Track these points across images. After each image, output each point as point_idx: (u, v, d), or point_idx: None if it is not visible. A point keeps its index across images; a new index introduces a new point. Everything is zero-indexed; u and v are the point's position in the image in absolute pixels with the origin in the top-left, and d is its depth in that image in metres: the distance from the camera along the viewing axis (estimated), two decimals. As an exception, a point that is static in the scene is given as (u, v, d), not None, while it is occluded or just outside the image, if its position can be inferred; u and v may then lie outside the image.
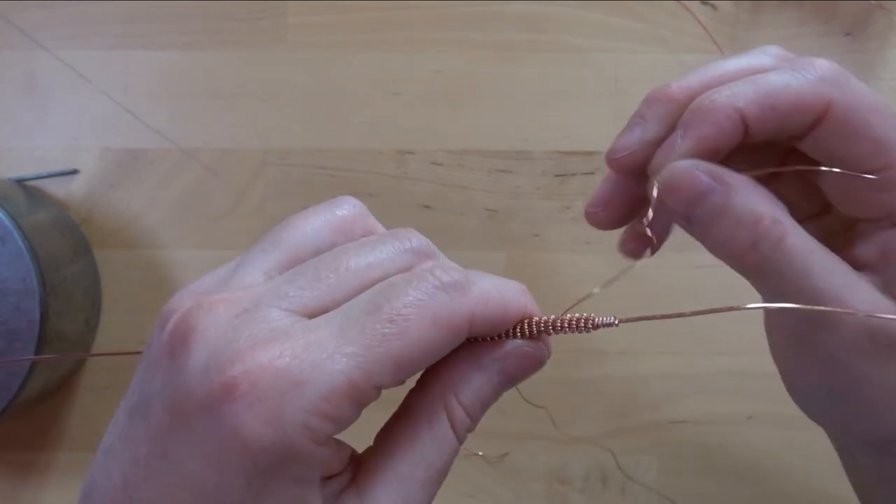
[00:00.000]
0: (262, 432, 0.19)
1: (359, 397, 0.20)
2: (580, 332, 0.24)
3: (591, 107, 0.46)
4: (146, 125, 0.45)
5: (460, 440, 0.23)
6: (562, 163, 0.46)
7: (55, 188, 0.45)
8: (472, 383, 0.23)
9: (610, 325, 0.24)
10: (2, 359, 0.38)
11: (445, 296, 0.21)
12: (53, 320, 0.39)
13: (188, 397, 0.19)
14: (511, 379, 0.24)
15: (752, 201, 0.24)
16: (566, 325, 0.23)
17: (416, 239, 0.23)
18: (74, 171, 0.45)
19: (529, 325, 0.23)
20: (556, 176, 0.46)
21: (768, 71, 0.26)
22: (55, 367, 0.42)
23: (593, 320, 0.24)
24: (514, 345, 0.23)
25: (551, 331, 0.23)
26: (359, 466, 0.23)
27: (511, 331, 0.23)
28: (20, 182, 0.44)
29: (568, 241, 0.45)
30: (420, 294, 0.21)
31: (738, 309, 0.22)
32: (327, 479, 0.21)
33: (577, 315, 0.24)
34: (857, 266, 0.25)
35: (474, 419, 0.23)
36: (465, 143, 0.46)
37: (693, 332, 0.45)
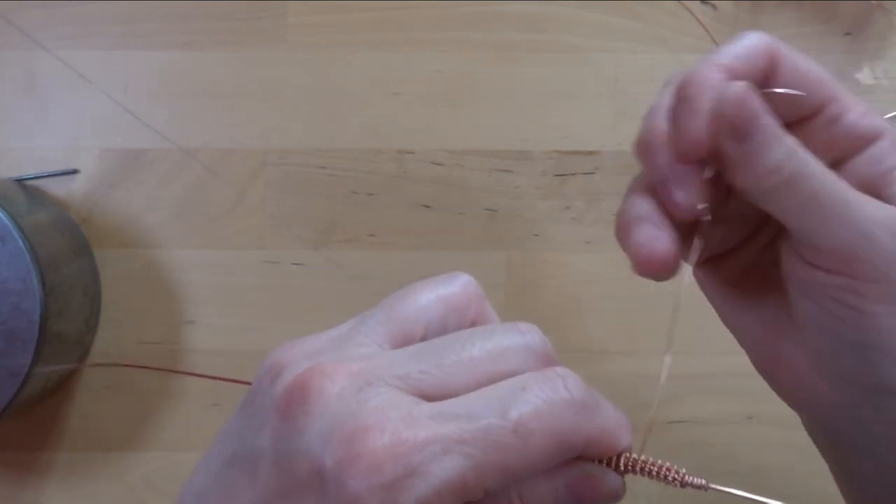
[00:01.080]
0: None
1: (465, 495, 0.20)
2: (666, 483, 0.24)
3: (591, 107, 0.46)
4: (146, 125, 0.45)
5: None
6: (562, 163, 0.46)
7: (55, 188, 0.45)
8: (539, 489, 0.23)
9: (700, 487, 0.24)
10: (2, 359, 0.38)
11: (573, 414, 0.21)
12: (53, 320, 0.39)
13: (306, 460, 0.20)
14: (576, 498, 0.23)
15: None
16: (655, 472, 0.23)
17: (539, 337, 0.23)
18: (74, 171, 0.45)
19: (619, 458, 0.23)
20: (556, 176, 0.46)
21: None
22: (55, 367, 0.42)
23: (683, 478, 0.24)
24: (596, 470, 0.23)
25: (637, 472, 0.23)
26: None
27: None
28: (20, 182, 0.44)
29: (568, 241, 0.45)
30: (549, 408, 0.21)
31: None
32: None
33: (668, 465, 0.24)
34: None
35: None
36: (465, 143, 0.46)
37: (693, 331, 0.45)
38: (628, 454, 0.23)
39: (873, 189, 0.25)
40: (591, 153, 0.46)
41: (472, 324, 0.24)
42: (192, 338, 0.45)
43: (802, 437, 0.44)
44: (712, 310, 0.40)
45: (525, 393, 0.21)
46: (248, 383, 0.23)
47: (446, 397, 0.21)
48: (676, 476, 0.23)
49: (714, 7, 0.46)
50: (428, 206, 0.45)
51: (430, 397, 0.21)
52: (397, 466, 0.19)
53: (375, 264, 0.45)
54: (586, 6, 0.46)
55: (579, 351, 0.44)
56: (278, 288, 0.45)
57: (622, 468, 0.23)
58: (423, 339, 0.23)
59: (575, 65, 0.46)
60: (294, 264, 0.45)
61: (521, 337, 0.23)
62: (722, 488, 0.24)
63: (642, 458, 0.23)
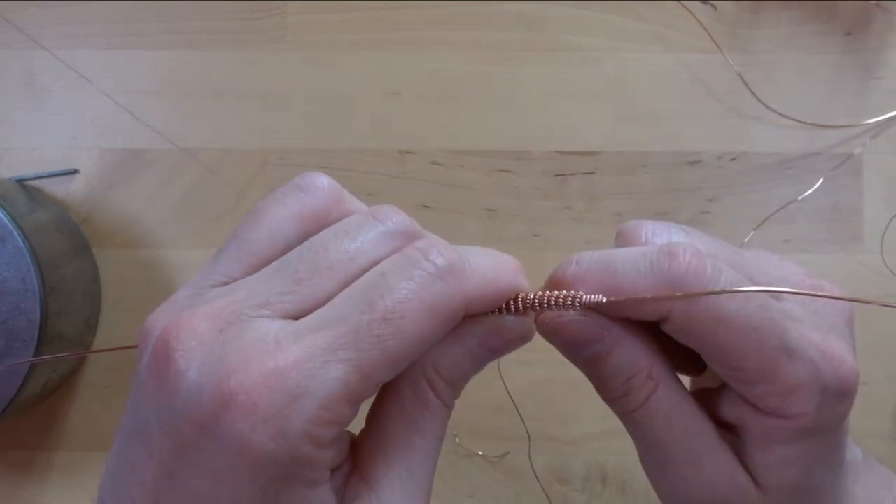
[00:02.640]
0: (269, 446, 0.19)
1: (357, 398, 0.20)
2: (567, 309, 0.23)
3: (591, 107, 0.46)
4: (146, 125, 0.45)
5: (448, 406, 0.23)
6: (562, 163, 0.46)
7: (55, 188, 0.45)
8: (452, 355, 0.23)
9: (597, 303, 0.23)
10: (2, 359, 0.38)
11: (442, 283, 0.20)
12: (53, 320, 0.39)
13: (187, 419, 0.19)
14: (492, 351, 0.23)
15: (632, 354, 0.24)
16: (553, 301, 0.23)
17: (397, 217, 0.22)
18: (74, 171, 0.45)
19: (516, 302, 0.23)
20: (556, 176, 0.46)
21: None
22: (55, 366, 0.42)
23: (580, 298, 0.23)
24: (497, 321, 0.23)
25: (538, 307, 0.23)
26: (358, 451, 0.23)
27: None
28: (20, 182, 0.44)
29: (568, 241, 0.45)
30: (415, 285, 0.20)
31: (709, 293, 0.22)
32: (333, 472, 0.21)
33: (564, 293, 0.23)
34: (724, 423, 0.25)
35: (457, 388, 0.23)
36: (465, 143, 0.46)
37: (693, 332, 0.45)
38: (523, 294, 0.23)
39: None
40: (591, 153, 0.46)
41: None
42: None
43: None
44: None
45: (386, 278, 0.20)
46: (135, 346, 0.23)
47: (313, 310, 0.20)
48: (574, 299, 0.23)
49: (714, 7, 0.46)
50: (428, 206, 0.45)
51: (297, 315, 0.20)
52: (275, 396, 0.19)
53: (375, 264, 0.45)
54: (586, 6, 0.46)
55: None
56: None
57: (521, 308, 0.23)
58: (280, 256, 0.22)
59: (575, 65, 0.46)
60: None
61: (379, 225, 0.22)
62: (618, 299, 0.23)
63: (538, 293, 0.23)
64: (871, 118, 0.45)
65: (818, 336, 0.23)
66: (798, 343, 0.22)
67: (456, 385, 0.23)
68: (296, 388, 0.19)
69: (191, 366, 0.19)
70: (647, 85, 0.46)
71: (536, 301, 0.23)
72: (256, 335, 0.20)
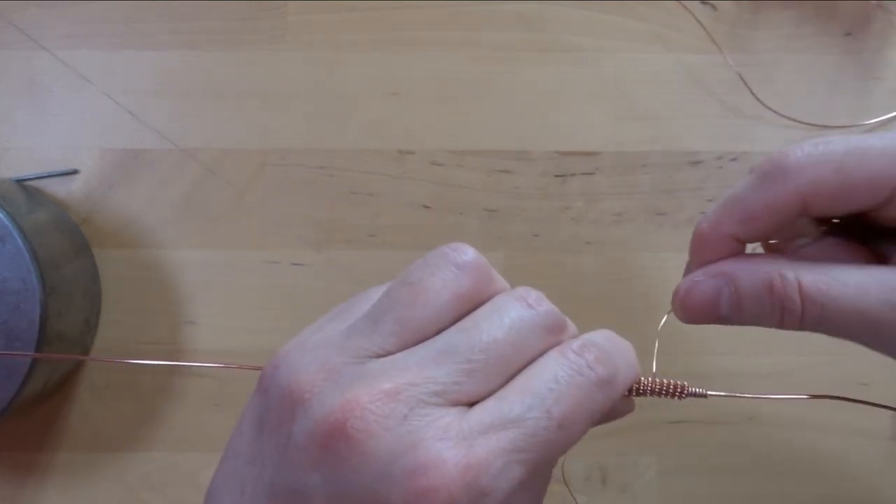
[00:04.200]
0: None
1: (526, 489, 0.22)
2: (672, 398, 0.26)
3: (591, 107, 0.46)
4: (146, 125, 0.45)
5: (549, 475, 0.25)
6: (562, 163, 0.46)
7: (55, 188, 0.45)
8: None
9: (701, 396, 0.26)
10: (2, 359, 0.38)
11: (601, 394, 0.23)
12: (53, 320, 0.39)
13: (374, 501, 0.20)
14: (596, 423, 0.25)
15: (757, 273, 0.25)
16: (661, 389, 0.26)
17: (547, 305, 0.24)
18: (74, 171, 0.45)
19: (631, 389, 0.25)
20: (556, 176, 0.46)
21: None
22: (55, 367, 0.42)
23: (685, 389, 0.26)
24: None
25: (647, 394, 0.26)
26: None
27: None
28: (20, 182, 0.44)
29: (568, 241, 0.45)
30: (583, 395, 0.22)
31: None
32: None
33: (672, 381, 0.26)
34: None
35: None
36: (465, 143, 0.46)
37: (692, 332, 0.45)
38: (638, 383, 0.25)
39: None
40: (591, 153, 0.46)
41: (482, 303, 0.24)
42: (192, 338, 0.45)
43: (802, 437, 0.44)
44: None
45: (559, 386, 0.22)
46: (259, 368, 0.23)
47: (481, 398, 0.22)
48: (680, 389, 0.26)
49: (714, 7, 0.46)
50: (428, 207, 0.45)
51: (466, 403, 0.22)
52: (470, 493, 0.20)
53: (375, 264, 0.45)
54: (586, 6, 0.46)
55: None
56: (278, 288, 0.45)
57: (634, 394, 0.26)
58: (435, 333, 0.23)
59: (575, 65, 0.46)
60: (294, 264, 0.45)
61: (532, 314, 0.23)
62: (720, 394, 0.26)
63: (649, 380, 0.26)
64: (871, 118, 0.45)
65: None
66: None
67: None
68: (486, 487, 0.20)
69: (379, 451, 0.20)
70: (647, 85, 0.46)
71: (648, 388, 0.26)
72: (441, 424, 0.21)
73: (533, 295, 0.24)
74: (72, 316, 0.42)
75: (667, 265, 0.45)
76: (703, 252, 0.27)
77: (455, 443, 0.20)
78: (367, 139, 0.46)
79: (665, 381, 0.26)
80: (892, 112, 0.45)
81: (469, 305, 0.24)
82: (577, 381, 0.22)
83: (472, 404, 0.22)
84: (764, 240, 0.28)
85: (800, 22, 0.46)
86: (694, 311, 0.27)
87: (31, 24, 0.45)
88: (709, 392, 0.26)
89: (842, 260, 0.26)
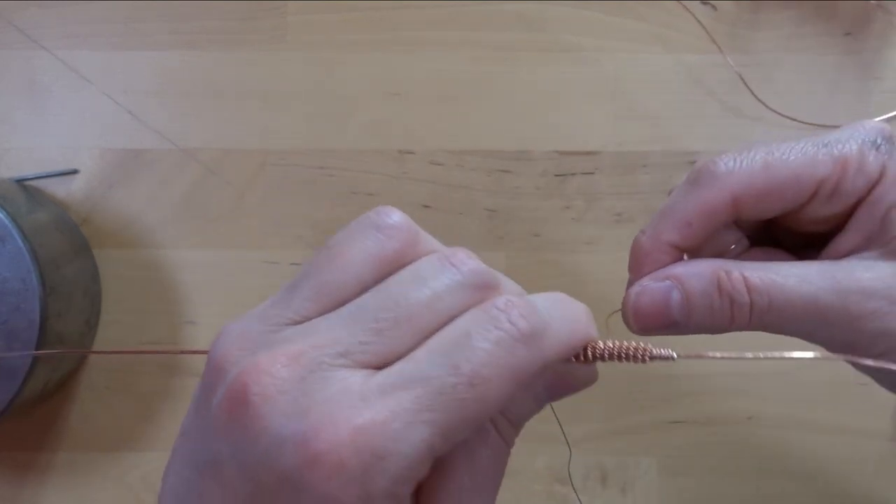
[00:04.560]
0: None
1: (436, 455, 0.20)
2: (636, 362, 0.24)
3: (591, 107, 0.46)
4: (146, 125, 0.45)
5: (509, 444, 0.24)
6: (562, 163, 0.46)
7: (55, 188, 0.45)
8: (518, 400, 0.23)
9: (667, 358, 0.24)
10: (2, 359, 0.38)
11: (524, 349, 0.21)
12: (53, 320, 0.39)
13: (269, 469, 0.19)
14: (555, 396, 0.24)
15: (703, 272, 0.26)
16: (622, 353, 0.23)
17: (473, 263, 0.22)
18: (74, 171, 0.45)
19: (586, 352, 0.23)
20: (556, 176, 0.46)
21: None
22: (55, 367, 0.42)
23: (650, 352, 0.23)
24: (566, 368, 0.24)
25: (606, 358, 0.23)
26: (420, 490, 0.22)
27: None
28: (20, 182, 0.44)
29: (568, 241, 0.45)
30: (500, 351, 0.20)
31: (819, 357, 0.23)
32: None
33: (635, 344, 0.23)
34: (846, 254, 0.27)
35: (519, 427, 0.24)
36: (465, 143, 0.46)
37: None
38: (593, 344, 0.23)
39: (878, 239, 0.26)
40: (591, 153, 0.46)
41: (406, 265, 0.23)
42: (192, 338, 0.45)
43: (802, 438, 0.44)
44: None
45: (471, 340, 0.20)
46: (205, 352, 0.23)
47: (392, 360, 0.20)
48: (643, 353, 0.23)
49: (714, 7, 0.46)
50: (428, 206, 0.45)
51: (375, 365, 0.20)
52: (363, 456, 0.19)
53: (375, 264, 0.45)
54: (586, 6, 0.46)
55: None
56: (278, 288, 0.45)
57: (590, 358, 0.23)
58: (357, 297, 0.22)
59: (575, 65, 0.46)
60: (294, 264, 0.45)
61: (456, 273, 0.22)
62: (690, 355, 0.24)
63: (608, 343, 0.23)
64: (871, 118, 0.45)
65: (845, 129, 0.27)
66: (835, 140, 0.26)
67: (518, 425, 0.24)
68: (382, 450, 0.19)
69: (273, 415, 0.19)
70: (647, 85, 0.46)
71: (606, 352, 0.23)
72: (340, 388, 0.20)
73: (460, 254, 0.22)
74: (72, 316, 0.42)
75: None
76: (644, 264, 0.28)
77: (351, 404, 0.19)
78: (367, 139, 0.46)
79: (626, 343, 0.23)
80: (892, 112, 0.45)
81: (391, 268, 0.22)
82: (493, 335, 0.20)
83: (383, 368, 0.20)
84: (698, 249, 0.28)
85: (800, 22, 0.46)
86: (646, 316, 0.27)
87: (31, 24, 0.45)
88: (676, 354, 0.23)
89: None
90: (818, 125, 0.45)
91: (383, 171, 0.45)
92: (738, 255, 0.29)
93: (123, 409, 0.45)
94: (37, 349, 0.38)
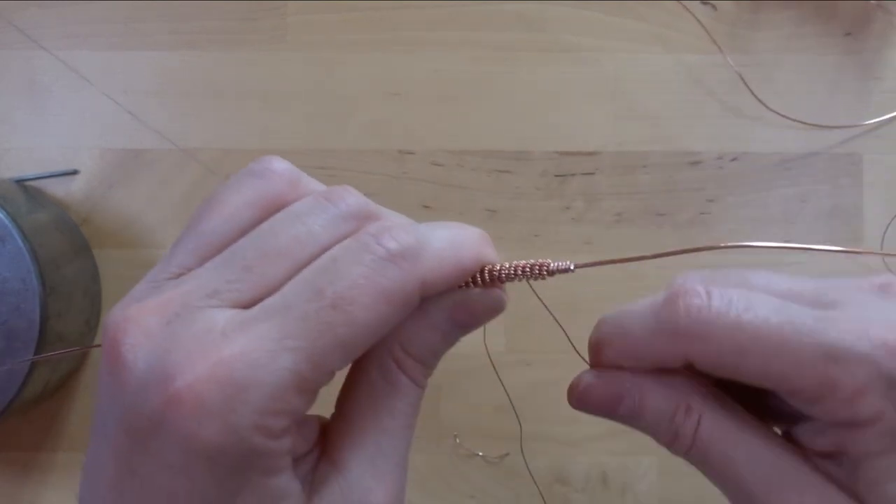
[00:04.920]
0: (217, 440, 0.18)
1: (310, 387, 0.19)
2: (535, 278, 0.23)
3: (591, 107, 0.46)
4: (146, 125, 0.45)
5: (419, 385, 0.23)
6: (562, 163, 0.46)
7: (55, 188, 0.45)
8: (420, 333, 0.22)
9: (566, 270, 0.23)
10: (2, 359, 0.38)
11: (394, 268, 0.20)
12: (53, 320, 0.39)
13: (138, 415, 0.19)
14: (462, 326, 0.23)
15: (663, 395, 0.23)
16: (521, 271, 0.23)
17: (351, 199, 0.22)
18: (74, 171, 0.45)
19: (482, 275, 0.22)
20: (556, 176, 0.46)
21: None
22: (55, 367, 0.42)
23: (548, 266, 0.23)
24: (463, 295, 0.23)
25: (504, 278, 0.23)
26: (327, 435, 0.22)
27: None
28: (20, 182, 0.44)
29: (568, 241, 0.45)
30: (365, 270, 0.20)
31: (704, 249, 0.22)
32: (299, 459, 0.21)
33: (531, 261, 0.23)
34: (825, 453, 0.23)
35: (428, 365, 0.23)
36: (465, 143, 0.46)
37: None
38: (490, 266, 0.23)
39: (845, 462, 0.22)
40: (591, 153, 0.46)
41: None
42: (192, 338, 0.45)
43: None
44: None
45: (336, 264, 0.20)
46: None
47: (264, 297, 0.20)
48: (541, 268, 0.23)
49: (714, 7, 0.46)
50: (428, 207, 0.45)
51: (249, 303, 0.20)
52: (221, 389, 0.18)
53: (375, 264, 0.45)
54: (586, 6, 0.46)
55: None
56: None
57: (488, 280, 0.22)
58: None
59: (575, 65, 0.46)
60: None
61: (331, 207, 0.21)
62: (587, 264, 0.23)
63: (505, 265, 0.23)
64: (871, 118, 0.45)
65: (858, 323, 0.21)
66: (837, 340, 0.20)
67: (427, 362, 0.23)
68: (242, 380, 0.18)
69: (138, 359, 0.19)
70: (647, 85, 0.46)
71: (503, 272, 0.23)
72: (203, 326, 0.19)
73: (338, 191, 0.22)
74: (72, 316, 0.42)
75: (667, 265, 0.45)
76: (601, 362, 0.25)
77: (211, 340, 0.19)
78: (367, 139, 0.46)
79: (522, 262, 0.23)
80: (892, 112, 0.45)
81: (270, 213, 0.22)
82: (359, 257, 0.20)
83: (255, 305, 0.20)
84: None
85: (800, 22, 0.46)
86: (589, 405, 0.25)
87: (31, 24, 0.45)
88: (574, 265, 0.23)
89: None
90: (818, 125, 0.45)
91: (383, 171, 0.45)
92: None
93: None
94: (37, 349, 0.38)
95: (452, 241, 0.22)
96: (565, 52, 0.46)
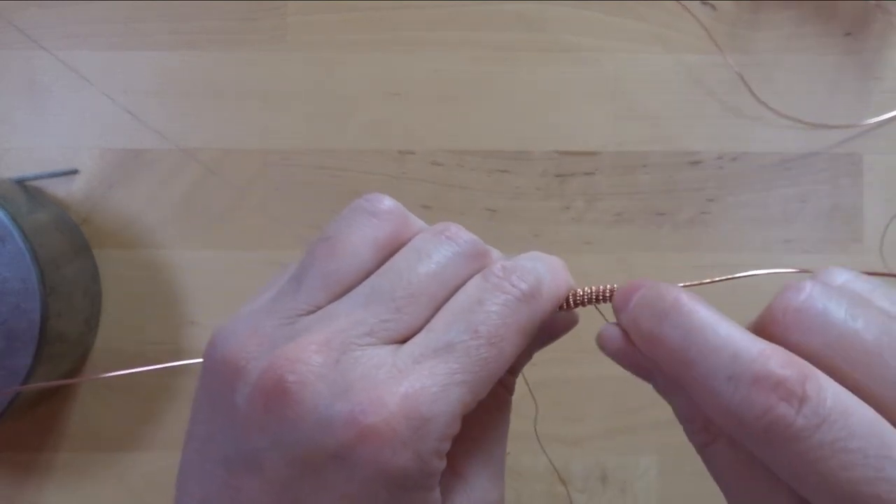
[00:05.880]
0: (408, 465, 0.20)
1: (468, 411, 0.22)
2: (605, 302, 0.26)
3: (591, 107, 0.46)
4: (146, 125, 0.45)
5: (511, 392, 0.26)
6: (562, 163, 0.46)
7: (55, 188, 0.45)
8: (522, 356, 0.25)
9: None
10: (2, 359, 0.38)
11: (527, 307, 0.23)
12: (53, 320, 0.39)
13: (317, 450, 0.20)
14: (545, 343, 0.26)
15: (685, 404, 0.24)
16: (597, 296, 0.26)
17: (466, 236, 0.24)
18: (74, 171, 0.45)
19: (567, 301, 0.26)
20: (556, 176, 0.46)
21: None
22: (55, 367, 0.42)
23: (614, 289, 0.26)
24: (553, 317, 0.25)
25: (585, 303, 0.26)
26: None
27: None
28: (20, 182, 0.44)
29: (568, 241, 0.45)
30: (508, 311, 0.22)
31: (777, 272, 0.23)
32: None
33: (604, 286, 0.26)
34: None
35: (517, 375, 0.26)
36: (465, 143, 0.46)
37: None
38: (574, 293, 0.26)
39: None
40: (591, 153, 0.46)
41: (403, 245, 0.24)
42: (192, 338, 0.45)
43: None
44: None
45: (483, 306, 0.22)
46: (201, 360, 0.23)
47: (412, 333, 0.22)
48: (611, 293, 0.26)
49: (714, 7, 0.46)
50: (428, 206, 0.45)
51: (398, 340, 0.22)
52: (411, 423, 0.20)
53: (375, 264, 0.45)
54: (586, 6, 0.46)
55: (578, 351, 0.44)
56: (278, 288, 0.45)
57: (571, 305, 0.26)
58: (361, 281, 0.23)
59: (575, 65, 0.46)
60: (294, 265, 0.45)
61: (452, 245, 0.24)
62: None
63: (585, 290, 0.26)
64: (871, 118, 0.45)
65: None
66: None
67: (516, 373, 0.26)
68: (427, 413, 0.21)
69: (316, 398, 0.21)
70: (647, 85, 0.46)
71: (585, 298, 0.26)
72: (374, 363, 0.21)
73: (452, 228, 0.24)
74: (72, 316, 0.42)
75: (667, 265, 0.45)
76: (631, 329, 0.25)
77: (389, 377, 0.21)
78: (367, 139, 0.46)
79: (599, 287, 0.26)
80: (892, 112, 0.45)
81: (389, 250, 0.24)
82: (500, 299, 0.23)
83: (405, 341, 0.22)
84: None
85: (800, 22, 0.46)
86: (626, 366, 0.26)
87: (31, 24, 0.45)
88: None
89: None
90: (818, 125, 0.45)
91: (383, 171, 0.45)
92: None
93: (123, 409, 0.45)
94: (37, 349, 0.38)
95: (554, 275, 0.25)
96: (565, 52, 0.46)
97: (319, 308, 0.23)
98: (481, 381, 0.22)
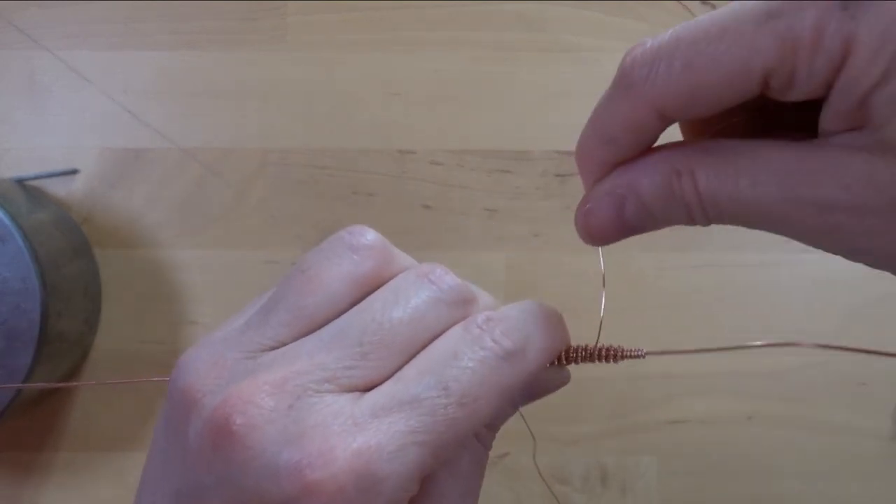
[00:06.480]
0: None
1: (427, 472, 0.20)
2: (608, 362, 0.24)
3: (591, 107, 0.45)
4: (146, 125, 0.45)
5: (487, 448, 0.24)
6: (562, 163, 0.46)
7: (55, 188, 0.45)
8: (502, 411, 0.24)
9: (637, 356, 0.24)
10: (2, 359, 0.38)
11: (509, 367, 0.21)
12: (54, 320, 0.39)
13: (261, 499, 0.19)
14: (531, 399, 0.24)
15: (655, 175, 0.22)
16: (596, 355, 0.24)
17: (451, 280, 0.22)
18: (74, 171, 0.45)
19: (559, 358, 0.24)
20: (556, 176, 0.46)
21: None
22: (55, 367, 0.42)
23: (622, 351, 0.24)
24: (541, 374, 0.24)
25: (580, 361, 0.24)
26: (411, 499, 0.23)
27: None
28: (20, 182, 0.44)
29: (568, 241, 0.45)
30: (486, 369, 0.21)
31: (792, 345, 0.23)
32: None
33: (607, 346, 0.24)
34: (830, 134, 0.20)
35: (496, 431, 0.24)
36: (465, 143, 0.46)
37: (693, 331, 0.45)
38: (568, 349, 0.24)
39: (862, 125, 0.19)
40: (591, 153, 0.46)
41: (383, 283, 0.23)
42: (192, 338, 0.45)
43: (802, 437, 0.44)
44: (711, 309, 0.40)
45: (458, 360, 0.20)
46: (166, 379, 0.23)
47: (379, 382, 0.21)
48: (615, 353, 0.24)
49: (714, 7, 0.46)
50: (428, 206, 0.45)
51: (362, 388, 0.20)
52: (360, 482, 0.19)
53: (375, 264, 0.45)
54: (586, 6, 0.46)
55: (579, 351, 0.44)
56: (278, 288, 0.45)
57: (565, 362, 0.24)
58: (332, 319, 0.22)
59: (575, 65, 0.46)
60: (294, 264, 0.45)
61: (433, 290, 0.22)
62: (657, 352, 0.24)
63: (581, 347, 0.24)
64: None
65: None
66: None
67: (496, 429, 0.24)
68: (378, 472, 0.19)
69: (263, 444, 0.19)
70: (647, 85, 0.46)
71: (580, 356, 0.24)
72: (329, 413, 0.20)
73: (437, 271, 0.22)
74: (72, 316, 0.42)
75: (667, 265, 0.45)
76: (588, 173, 0.24)
77: (343, 429, 0.19)
78: (367, 139, 0.46)
79: (597, 346, 0.24)
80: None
81: (368, 288, 0.22)
82: (478, 354, 0.21)
83: (369, 389, 0.21)
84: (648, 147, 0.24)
85: (800, 22, 0.46)
86: (600, 232, 0.24)
87: (31, 24, 0.45)
88: (647, 351, 0.24)
89: (764, 131, 0.22)
90: (818, 125, 0.45)
91: (383, 171, 0.45)
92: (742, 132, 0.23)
93: (123, 409, 0.45)
94: (37, 349, 0.38)
95: (548, 333, 0.23)
96: (565, 52, 0.46)
97: (284, 345, 0.21)
98: (445, 443, 0.20)
